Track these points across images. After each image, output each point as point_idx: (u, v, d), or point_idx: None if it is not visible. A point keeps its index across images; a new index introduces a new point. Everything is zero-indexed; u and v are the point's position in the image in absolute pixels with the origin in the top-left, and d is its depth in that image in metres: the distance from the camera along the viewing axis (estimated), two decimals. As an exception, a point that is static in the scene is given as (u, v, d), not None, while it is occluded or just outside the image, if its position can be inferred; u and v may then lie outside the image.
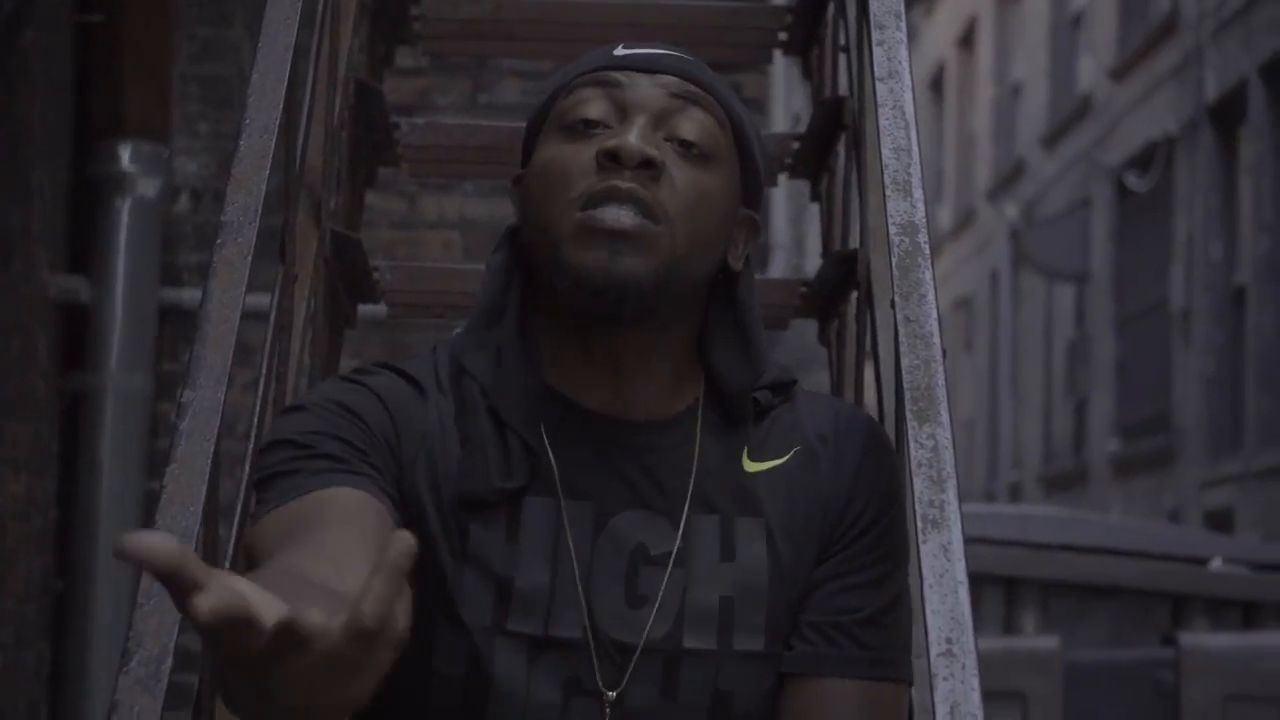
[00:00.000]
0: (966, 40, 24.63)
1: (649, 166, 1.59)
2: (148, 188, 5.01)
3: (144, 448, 5.00)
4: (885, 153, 1.85)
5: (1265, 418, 13.16)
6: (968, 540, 1.55)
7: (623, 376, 1.64)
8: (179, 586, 1.08)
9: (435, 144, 3.02)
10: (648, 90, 1.64)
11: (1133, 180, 16.41)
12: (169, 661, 1.52)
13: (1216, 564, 6.33)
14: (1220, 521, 13.43)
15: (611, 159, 1.59)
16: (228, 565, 1.83)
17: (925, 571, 1.51)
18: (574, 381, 1.65)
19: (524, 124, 1.73)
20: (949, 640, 1.46)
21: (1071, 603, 6.21)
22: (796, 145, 3.03)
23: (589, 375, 1.64)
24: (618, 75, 1.65)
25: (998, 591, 6.18)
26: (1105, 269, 17.39)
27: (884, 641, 1.63)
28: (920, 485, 1.57)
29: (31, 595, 4.71)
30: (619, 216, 1.58)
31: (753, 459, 1.66)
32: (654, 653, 1.60)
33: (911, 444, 1.60)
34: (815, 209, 3.09)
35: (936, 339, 1.69)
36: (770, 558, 1.63)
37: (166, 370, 5.07)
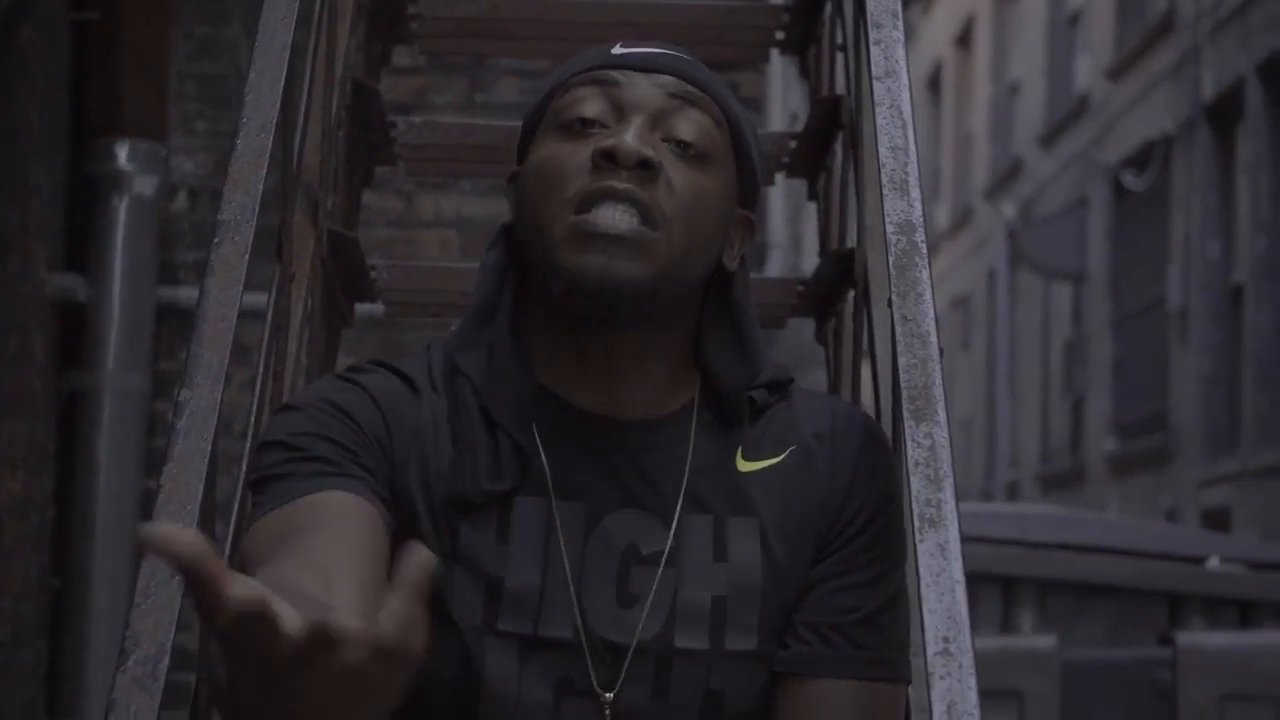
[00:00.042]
0: (964, 39, 24.63)
1: (646, 167, 1.58)
2: (145, 186, 5.00)
3: (141, 446, 5.00)
4: (882, 152, 1.85)
5: (1262, 417, 13.17)
6: (965, 539, 1.55)
7: (617, 377, 1.64)
8: (200, 581, 1.07)
9: (432, 143, 3.02)
10: (645, 90, 1.63)
11: (1130, 179, 16.41)
12: (166, 660, 1.52)
13: (1214, 563, 6.33)
14: (1217, 521, 13.44)
15: (607, 159, 1.58)
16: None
17: (922, 570, 1.51)
18: (567, 381, 1.64)
19: (521, 123, 1.73)
20: (946, 639, 1.46)
21: (1069, 602, 6.22)
22: (794, 144, 3.03)
23: (582, 375, 1.64)
24: (615, 74, 1.64)
25: (995, 590, 6.18)
26: (1102, 268, 17.40)
27: (880, 641, 1.62)
28: (917, 484, 1.57)
29: (29, 594, 4.71)
30: (614, 219, 1.57)
31: (747, 458, 1.65)
32: (645, 652, 1.59)
33: (908, 443, 1.60)
34: (812, 208, 3.10)
35: (933, 338, 1.69)
36: (764, 557, 1.62)
37: (164, 369, 5.07)
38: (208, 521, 1.68)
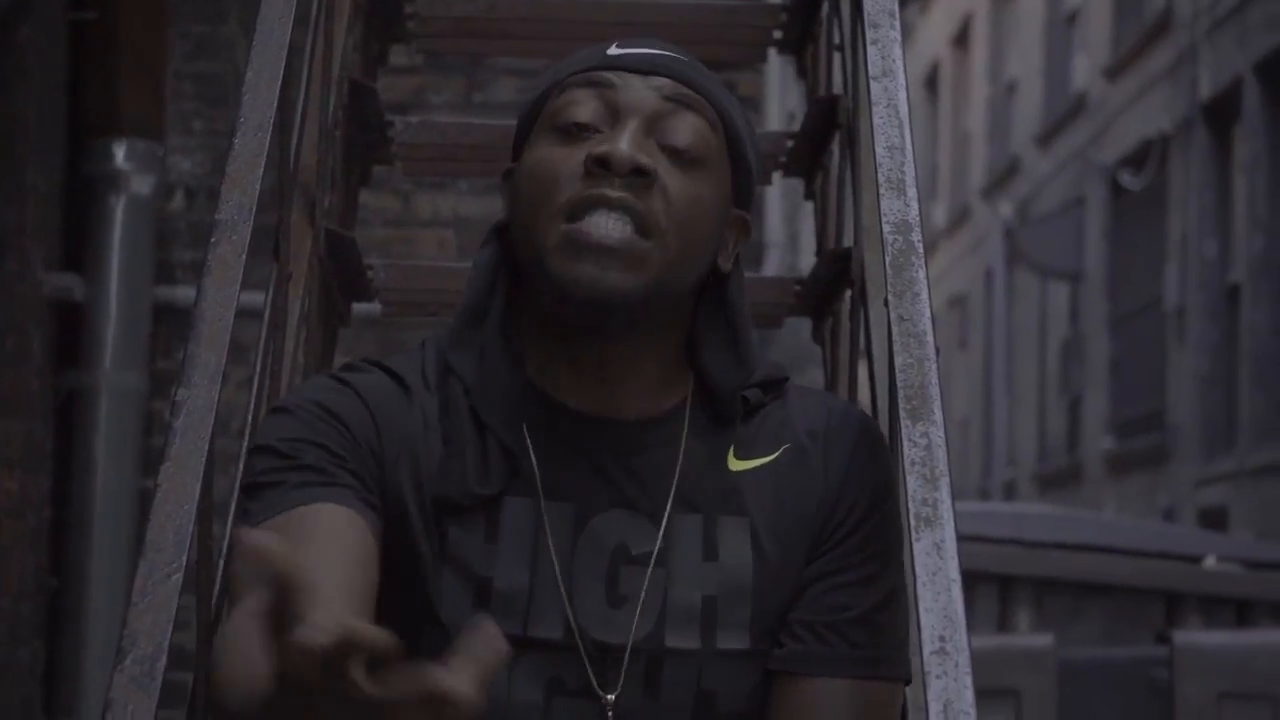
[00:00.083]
0: (961, 39, 24.63)
1: (641, 175, 1.56)
2: (142, 185, 5.00)
3: (138, 445, 5.00)
4: (879, 151, 1.85)
5: (1259, 416, 13.17)
6: (962, 538, 1.55)
7: (609, 379, 1.63)
8: (287, 594, 1.06)
9: (429, 142, 3.01)
10: (640, 93, 1.61)
11: (1127, 179, 16.41)
12: (163, 660, 1.52)
13: (1210, 562, 6.34)
14: (1214, 519, 13.44)
15: (601, 165, 1.56)
16: (221, 564, 1.83)
17: (918, 569, 1.51)
18: (558, 381, 1.63)
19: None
20: (942, 638, 1.46)
21: (1066, 601, 6.22)
22: (791, 143, 3.03)
23: (574, 376, 1.63)
24: (610, 76, 1.62)
25: (992, 589, 6.18)
26: (1099, 267, 17.40)
27: (876, 640, 1.61)
28: (913, 483, 1.57)
29: (26, 593, 4.71)
30: (607, 229, 1.55)
31: (739, 457, 1.64)
32: (636, 652, 1.58)
33: (905, 442, 1.60)
34: (810, 207, 3.10)
35: (930, 337, 1.69)
36: (754, 556, 1.61)
37: (161, 368, 5.07)
38: (204, 521, 1.68)
